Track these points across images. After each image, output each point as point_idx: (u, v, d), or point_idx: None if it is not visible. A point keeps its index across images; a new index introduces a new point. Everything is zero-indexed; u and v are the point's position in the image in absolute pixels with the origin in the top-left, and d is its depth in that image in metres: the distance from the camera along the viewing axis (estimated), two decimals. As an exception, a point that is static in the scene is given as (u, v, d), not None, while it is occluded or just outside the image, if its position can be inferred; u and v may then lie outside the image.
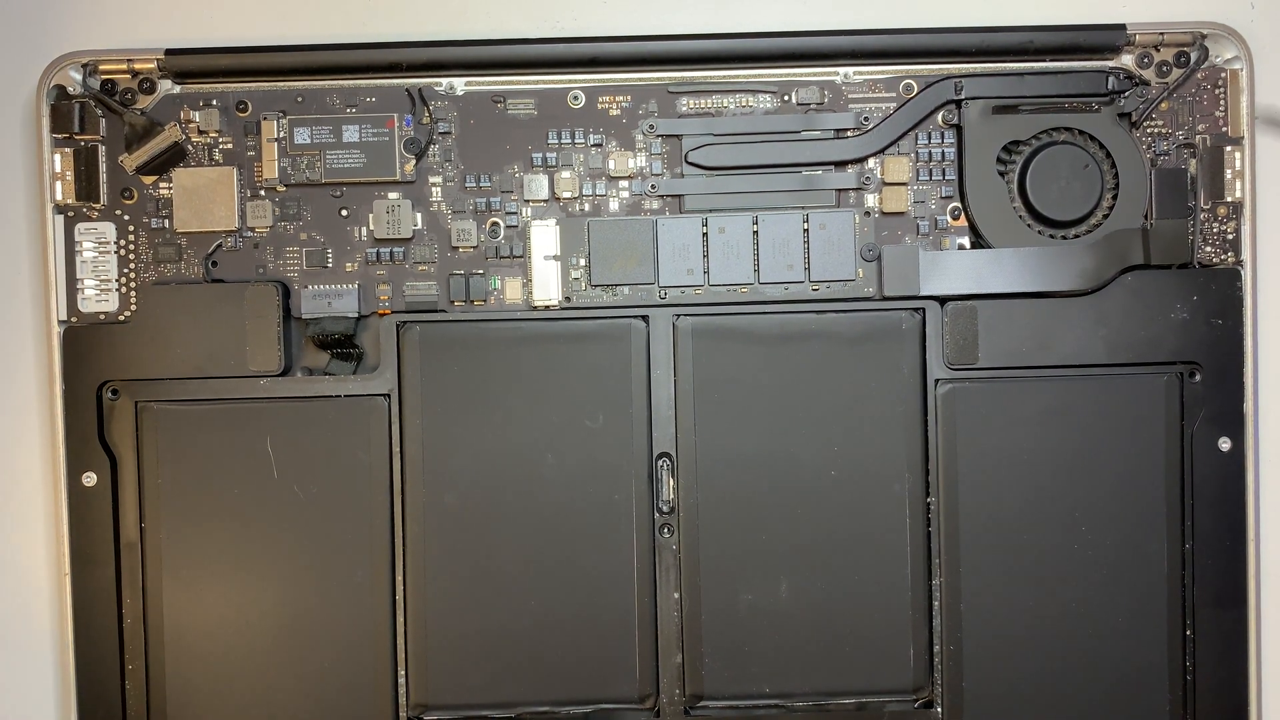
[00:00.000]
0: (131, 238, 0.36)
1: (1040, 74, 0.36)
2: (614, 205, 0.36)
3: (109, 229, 0.36)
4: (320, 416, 0.35)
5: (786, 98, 0.36)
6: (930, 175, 0.36)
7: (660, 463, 0.36)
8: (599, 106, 0.36)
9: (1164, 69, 0.36)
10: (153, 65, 0.36)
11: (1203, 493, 0.36)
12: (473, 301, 0.36)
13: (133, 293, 0.36)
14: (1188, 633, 0.36)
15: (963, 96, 0.36)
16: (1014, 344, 0.36)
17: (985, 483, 0.36)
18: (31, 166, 0.37)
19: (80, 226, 0.36)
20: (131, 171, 0.36)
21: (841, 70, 0.36)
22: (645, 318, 0.36)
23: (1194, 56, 0.36)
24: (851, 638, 0.36)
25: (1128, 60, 0.36)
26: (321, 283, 0.36)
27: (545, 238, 0.36)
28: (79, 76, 0.36)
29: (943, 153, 0.36)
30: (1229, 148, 0.36)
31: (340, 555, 0.35)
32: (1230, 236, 0.36)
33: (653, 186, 0.36)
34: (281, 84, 0.36)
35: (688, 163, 0.36)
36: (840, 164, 0.36)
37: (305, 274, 0.36)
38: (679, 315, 0.36)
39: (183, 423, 0.36)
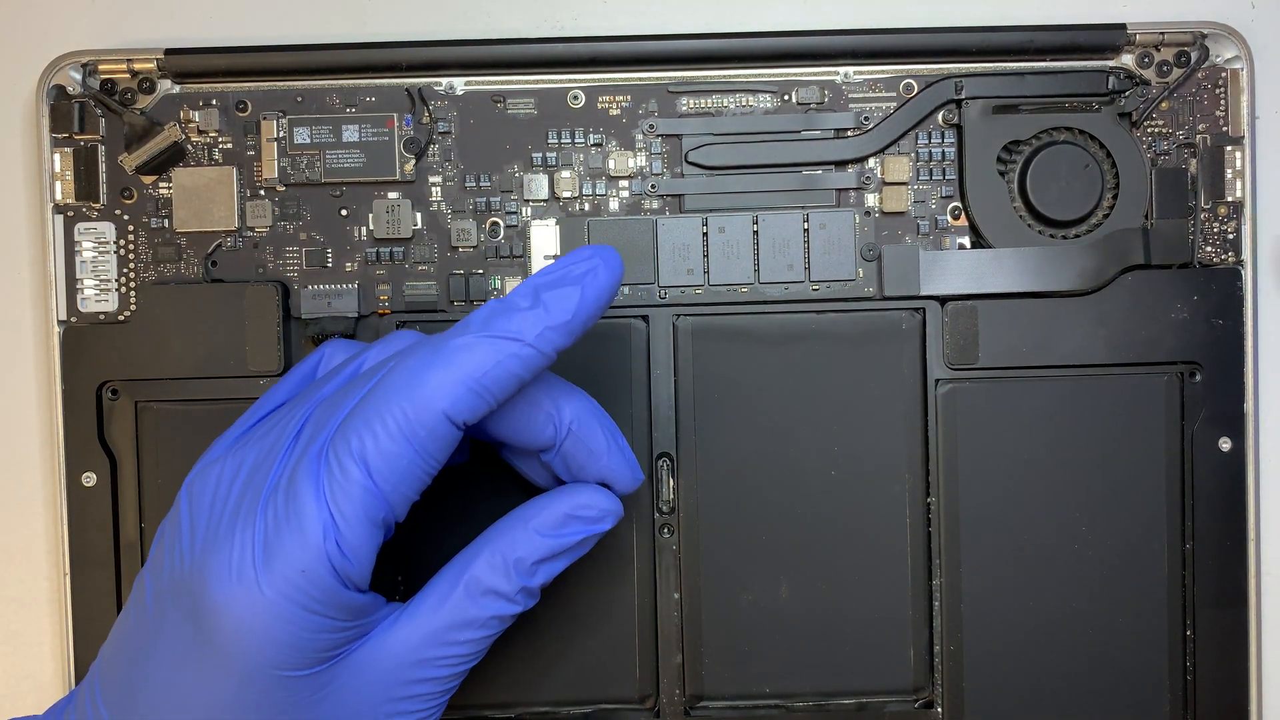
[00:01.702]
0: (131, 237, 0.36)
1: (1040, 74, 0.36)
2: (614, 205, 0.36)
3: (108, 229, 0.36)
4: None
5: (786, 97, 0.36)
6: (930, 175, 0.36)
7: (660, 463, 0.36)
8: (599, 106, 0.36)
9: (1164, 69, 0.36)
10: (152, 65, 0.36)
11: (1203, 493, 0.36)
12: (473, 301, 0.36)
13: (132, 293, 0.36)
14: (1188, 633, 0.36)
15: (963, 96, 0.36)
16: (1014, 344, 0.36)
17: (985, 483, 0.36)
18: (31, 166, 0.37)
19: (80, 226, 0.36)
20: (131, 171, 0.36)
21: (841, 70, 0.36)
22: (645, 318, 0.36)
23: (1194, 56, 0.36)
24: (852, 638, 0.36)
25: (1128, 60, 0.36)
26: (321, 283, 0.36)
27: (545, 237, 0.36)
28: (78, 76, 0.36)
29: (943, 152, 0.36)
30: (1229, 147, 0.36)
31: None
32: (1231, 236, 0.36)
33: (653, 186, 0.36)
34: (281, 84, 0.36)
35: (688, 162, 0.36)
36: (840, 164, 0.36)
37: (305, 274, 0.36)
38: (679, 315, 0.36)
39: (182, 423, 0.36)
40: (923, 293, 0.36)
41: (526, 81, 0.36)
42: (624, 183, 0.36)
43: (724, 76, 0.36)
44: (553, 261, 0.29)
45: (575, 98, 0.36)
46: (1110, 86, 0.36)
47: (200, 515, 0.28)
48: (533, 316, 0.27)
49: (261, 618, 0.26)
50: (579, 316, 0.27)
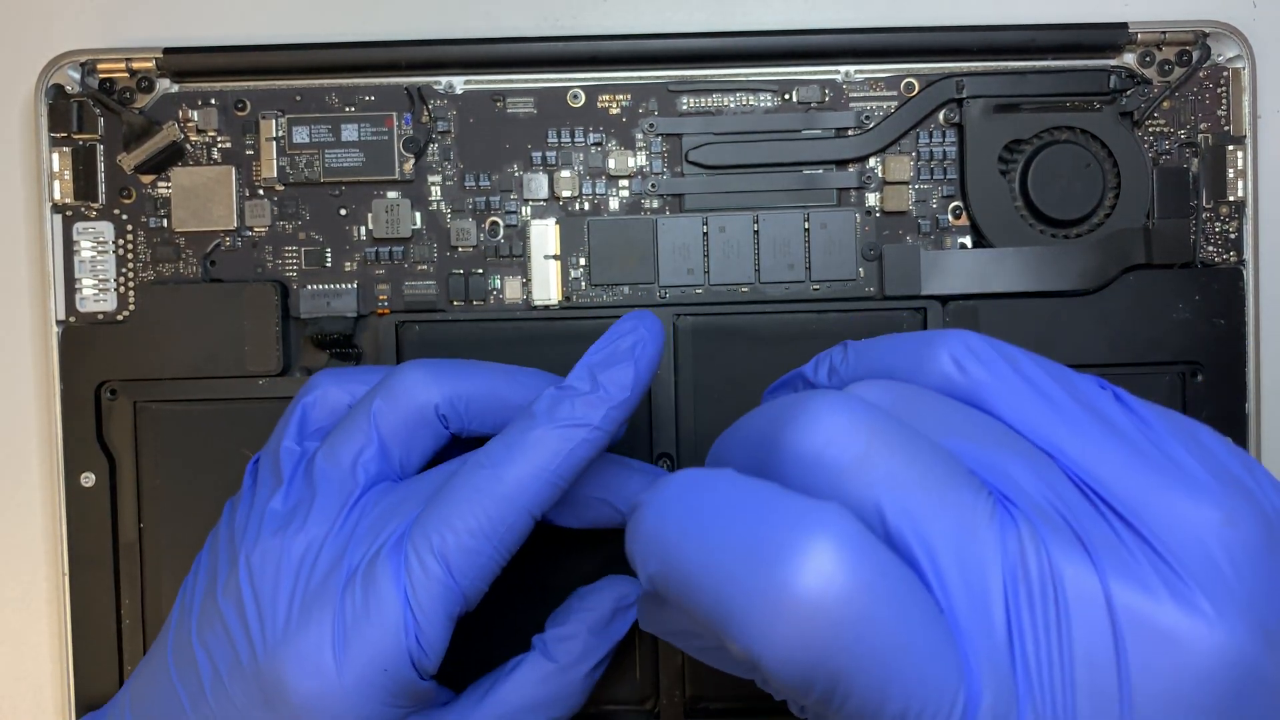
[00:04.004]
0: (130, 237, 0.36)
1: (1042, 73, 0.36)
2: (614, 204, 0.36)
3: (107, 228, 0.36)
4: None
5: (787, 96, 0.36)
6: (931, 174, 0.36)
7: (660, 463, 0.36)
8: (599, 105, 0.36)
9: (1166, 68, 0.36)
10: (151, 64, 0.35)
11: (1205, 493, 0.36)
12: (472, 301, 0.36)
13: (131, 292, 0.36)
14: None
15: (964, 95, 0.36)
16: (1016, 344, 0.35)
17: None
18: (29, 166, 0.37)
19: (78, 226, 0.36)
20: (130, 171, 0.36)
21: (842, 69, 0.36)
22: (645, 317, 0.36)
23: (1196, 55, 0.36)
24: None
25: (1130, 59, 0.36)
26: (320, 282, 0.36)
27: (545, 237, 0.36)
28: (77, 75, 0.35)
29: (944, 151, 0.36)
30: (1231, 147, 0.36)
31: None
32: (1232, 236, 0.36)
33: (653, 185, 0.36)
34: (280, 83, 0.36)
35: (688, 162, 0.36)
36: (841, 163, 0.36)
37: (304, 274, 0.36)
38: (679, 315, 0.36)
39: (181, 423, 0.36)
40: (924, 292, 0.36)
41: (526, 80, 0.36)
42: (624, 182, 0.36)
43: (724, 75, 0.36)
44: (599, 339, 0.29)
45: (575, 97, 0.36)
46: (1112, 86, 0.36)
47: (265, 596, 0.28)
48: (595, 400, 0.28)
49: (341, 708, 0.27)
50: (636, 391, 0.28)
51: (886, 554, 0.20)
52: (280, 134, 0.36)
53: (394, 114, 0.36)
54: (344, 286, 0.36)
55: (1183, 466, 0.21)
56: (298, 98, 0.36)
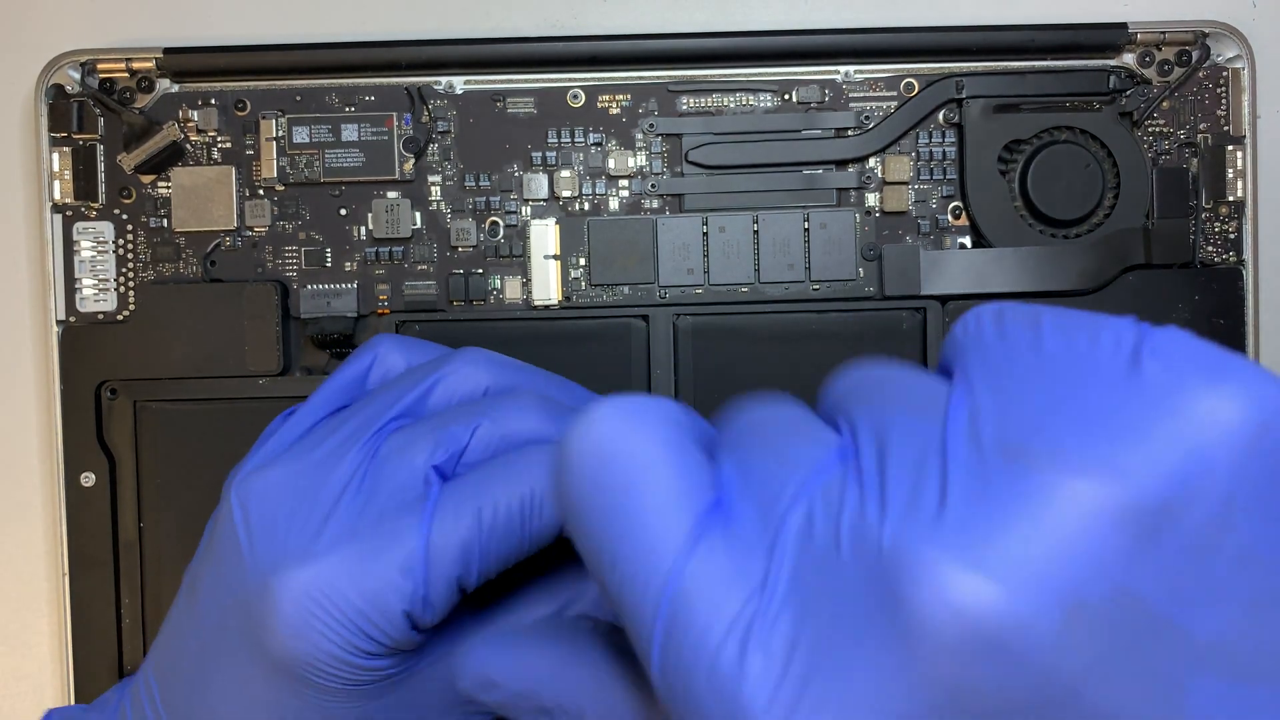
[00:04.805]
0: (130, 237, 0.36)
1: (1041, 73, 0.36)
2: (614, 204, 0.36)
3: (107, 228, 0.36)
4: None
5: (787, 96, 0.36)
6: (931, 174, 0.36)
7: (660, 463, 0.36)
8: (599, 105, 0.36)
9: (1165, 68, 0.36)
10: (151, 64, 0.35)
11: (1204, 493, 0.36)
12: (472, 301, 0.36)
13: (131, 292, 0.36)
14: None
15: (964, 95, 0.36)
16: (1015, 344, 0.36)
17: (986, 483, 0.36)
18: (29, 166, 0.37)
19: (78, 226, 0.36)
20: (130, 171, 0.36)
21: (842, 69, 0.36)
22: (645, 317, 0.36)
23: (1195, 55, 0.36)
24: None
25: (1129, 59, 0.36)
26: (320, 282, 0.36)
27: (545, 237, 0.36)
28: (77, 75, 0.35)
29: (944, 152, 0.36)
30: (1230, 147, 0.36)
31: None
32: (1232, 236, 0.36)
33: (653, 185, 0.36)
34: (280, 83, 0.36)
35: (688, 162, 0.36)
36: (841, 163, 0.36)
37: (304, 273, 0.36)
38: (679, 315, 0.36)
39: (181, 422, 0.36)
40: (923, 292, 0.36)
41: (526, 80, 0.36)
42: (624, 182, 0.36)
43: (724, 76, 0.36)
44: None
45: (575, 97, 0.36)
46: (1111, 86, 0.36)
47: (259, 525, 0.26)
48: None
49: (316, 584, 0.25)
50: None
51: (673, 429, 0.22)
52: (280, 134, 0.36)
53: (394, 114, 0.36)
54: (344, 286, 0.36)
55: (1108, 425, 0.18)
56: (298, 98, 0.36)
